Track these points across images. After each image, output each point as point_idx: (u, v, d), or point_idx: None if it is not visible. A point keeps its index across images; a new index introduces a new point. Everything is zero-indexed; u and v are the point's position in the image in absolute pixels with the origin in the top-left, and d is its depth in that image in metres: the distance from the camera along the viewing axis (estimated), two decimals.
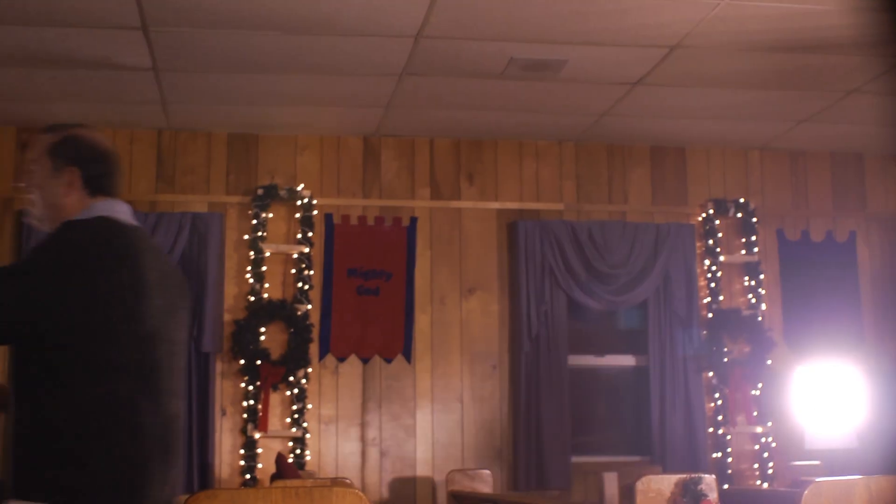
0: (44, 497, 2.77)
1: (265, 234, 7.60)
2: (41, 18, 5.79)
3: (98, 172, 3.11)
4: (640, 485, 5.77)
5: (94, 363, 2.84)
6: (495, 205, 7.95)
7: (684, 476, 5.91)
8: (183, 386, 3.10)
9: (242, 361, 7.44)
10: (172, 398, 2.98)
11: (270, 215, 7.64)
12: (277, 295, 7.59)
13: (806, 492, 4.88)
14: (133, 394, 2.87)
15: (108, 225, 3.01)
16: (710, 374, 7.94)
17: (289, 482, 5.87)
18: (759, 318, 8.04)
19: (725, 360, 7.93)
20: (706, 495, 5.76)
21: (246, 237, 7.61)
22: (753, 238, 8.15)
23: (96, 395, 2.83)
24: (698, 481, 5.82)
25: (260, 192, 7.63)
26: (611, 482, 7.43)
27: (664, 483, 5.85)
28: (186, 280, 3.21)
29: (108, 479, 2.80)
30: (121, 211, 3.09)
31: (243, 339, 7.43)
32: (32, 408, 2.85)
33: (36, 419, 2.84)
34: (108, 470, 2.80)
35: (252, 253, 7.57)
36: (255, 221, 7.58)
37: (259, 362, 7.43)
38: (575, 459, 7.75)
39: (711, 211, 8.11)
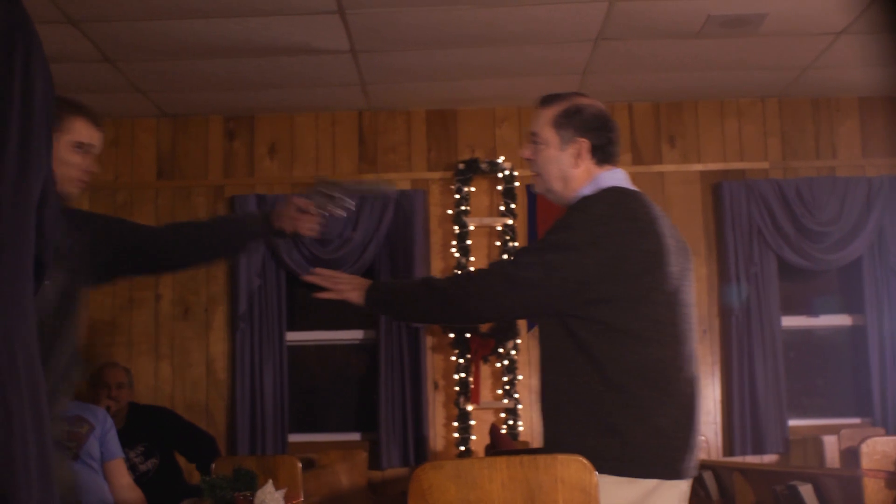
0: None
1: (468, 207, 7.65)
2: (244, 10, 5.96)
3: (604, 141, 3.18)
4: (865, 447, 5.58)
5: (625, 333, 2.91)
6: (698, 167, 7.81)
7: None
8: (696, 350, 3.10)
9: (452, 335, 7.53)
10: (693, 363, 3.02)
11: (472, 189, 7.69)
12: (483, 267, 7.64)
13: None
14: (662, 361, 2.93)
15: (625, 195, 3.07)
16: None
17: (512, 452, 5.91)
18: None
19: None
20: None
21: (449, 212, 7.68)
22: None
23: (628, 364, 2.90)
24: None
25: (461, 166, 7.69)
26: (831, 446, 7.23)
27: (890, 445, 5.64)
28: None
29: (644, 449, 2.87)
30: (625, 179, 3.17)
31: None
32: (568, 379, 2.95)
33: (572, 390, 2.94)
34: (644, 439, 2.87)
35: (456, 227, 7.63)
36: (457, 196, 7.65)
37: (468, 335, 7.51)
38: (792, 423, 7.58)
39: None
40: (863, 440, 5.59)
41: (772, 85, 7.62)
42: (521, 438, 7.43)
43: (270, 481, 4.43)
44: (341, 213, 3.52)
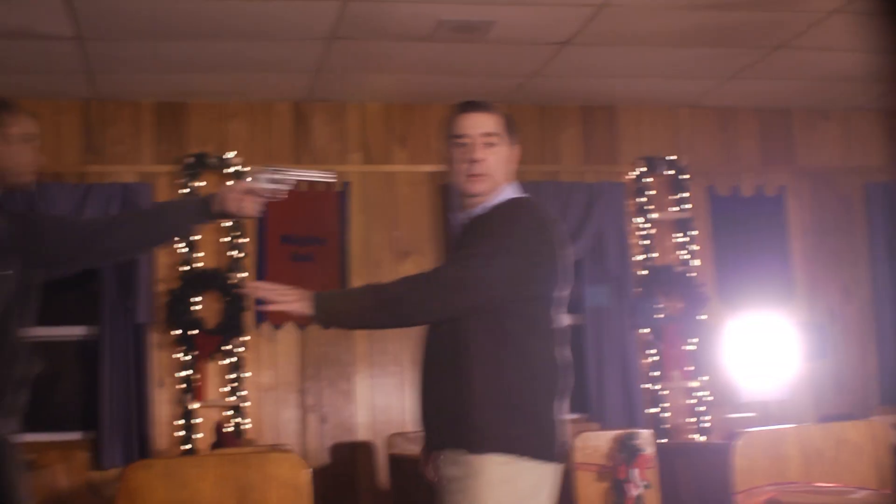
0: (501, 447, 3.09)
1: None
2: None
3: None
4: (578, 442, 5.83)
5: (540, 327, 3.21)
6: (428, 168, 7.93)
7: (620, 432, 5.97)
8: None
9: (178, 332, 7.40)
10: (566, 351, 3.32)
11: (202, 184, 7.57)
12: (211, 264, 7.54)
13: (738, 442, 4.95)
14: (556, 353, 3.24)
15: (536, 202, 3.38)
16: (645, 330, 8.02)
17: (226, 450, 5.86)
18: (692, 274, 8.12)
19: (660, 316, 8.01)
20: (642, 450, 5.82)
21: None
22: (685, 195, 8.21)
23: (541, 356, 3.20)
24: (634, 437, 5.88)
25: (190, 160, 7.57)
26: None
27: (601, 439, 5.91)
28: None
29: (547, 432, 3.18)
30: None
31: (177, 309, 7.39)
32: (489, 370, 3.15)
33: (493, 380, 3.14)
34: (549, 423, 3.18)
35: None
36: (185, 191, 7.51)
37: (195, 332, 7.40)
38: None
39: (643, 169, 8.16)
40: (576, 434, 5.83)
41: (500, 91, 7.81)
42: (248, 437, 7.37)
43: None
44: (283, 196, 3.67)
